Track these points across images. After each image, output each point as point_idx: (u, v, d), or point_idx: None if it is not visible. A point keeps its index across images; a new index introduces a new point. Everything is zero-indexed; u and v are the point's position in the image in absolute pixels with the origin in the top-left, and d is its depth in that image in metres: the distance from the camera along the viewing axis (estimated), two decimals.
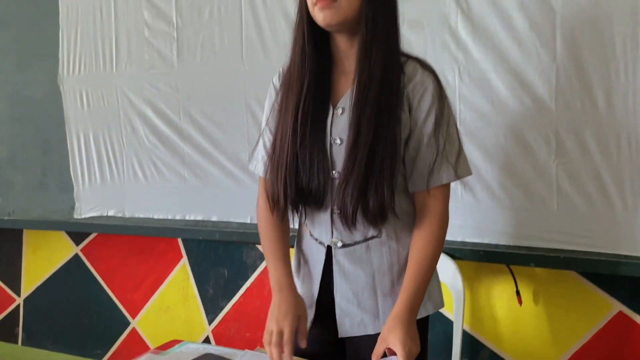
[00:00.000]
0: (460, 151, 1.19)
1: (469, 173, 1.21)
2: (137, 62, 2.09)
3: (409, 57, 1.20)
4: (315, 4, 1.10)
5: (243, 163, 1.96)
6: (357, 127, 1.12)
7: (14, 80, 2.31)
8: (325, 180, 1.17)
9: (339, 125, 1.17)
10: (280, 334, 1.17)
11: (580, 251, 1.55)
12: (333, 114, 1.18)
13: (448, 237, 1.23)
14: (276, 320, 1.18)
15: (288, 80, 1.20)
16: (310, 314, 1.26)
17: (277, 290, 1.23)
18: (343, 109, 1.17)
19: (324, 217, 1.22)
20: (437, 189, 1.18)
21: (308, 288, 1.28)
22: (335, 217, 1.20)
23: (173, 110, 2.06)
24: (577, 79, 1.53)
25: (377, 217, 1.14)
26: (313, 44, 1.15)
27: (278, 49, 1.87)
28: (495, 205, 1.64)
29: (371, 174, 1.11)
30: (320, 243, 1.25)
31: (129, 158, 2.15)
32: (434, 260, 1.19)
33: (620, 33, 1.48)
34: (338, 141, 1.16)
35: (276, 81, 1.29)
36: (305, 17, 1.14)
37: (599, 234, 1.54)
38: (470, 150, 1.63)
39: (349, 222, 1.15)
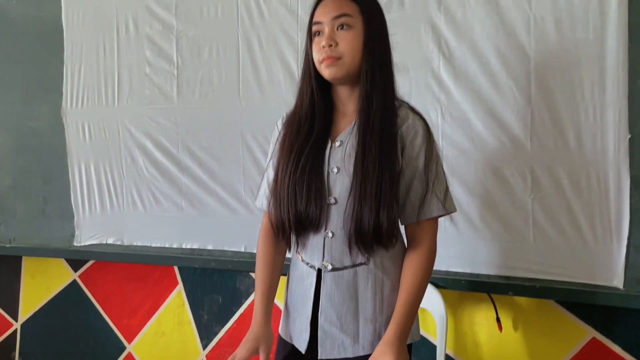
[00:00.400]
0: (447, 188, 1.31)
1: (455, 209, 1.32)
2: (139, 97, 2.20)
3: (401, 102, 1.34)
4: (321, 62, 1.26)
5: (238, 194, 2.06)
6: (362, 159, 1.24)
7: (19, 112, 2.39)
8: (322, 206, 1.28)
9: (336, 156, 1.29)
10: (234, 357, 1.33)
11: (555, 280, 1.66)
12: (331, 146, 1.31)
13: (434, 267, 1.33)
14: (239, 347, 1.34)
15: (293, 121, 1.34)
16: (305, 335, 1.34)
17: (252, 321, 1.39)
18: (341, 142, 1.30)
19: (317, 240, 1.31)
20: (426, 222, 1.29)
21: (300, 312, 1.37)
22: (328, 241, 1.30)
23: (172, 143, 2.16)
24: (550, 119, 1.65)
25: (374, 241, 1.25)
26: (319, 93, 1.32)
27: (273, 87, 1.99)
28: (477, 237, 1.74)
29: (374, 199, 1.22)
30: (311, 267, 1.34)
31: (128, 188, 2.24)
32: (422, 288, 1.29)
33: (589, 78, 1.61)
34: (335, 170, 1.28)
35: (280, 124, 1.41)
36: (312, 71, 1.31)
37: (572, 265, 1.64)
38: (453, 185, 1.73)
39: (351, 243, 1.26)
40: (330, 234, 1.29)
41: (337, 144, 1.30)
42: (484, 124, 1.72)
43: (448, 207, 1.29)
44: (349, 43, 1.25)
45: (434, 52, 1.77)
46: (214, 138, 2.10)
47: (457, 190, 1.74)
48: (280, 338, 1.43)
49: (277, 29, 1.98)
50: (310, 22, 1.31)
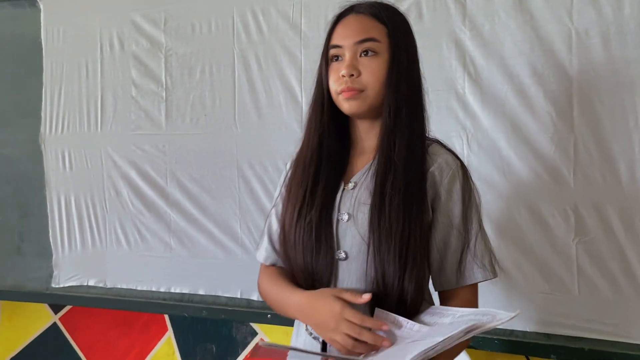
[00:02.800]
0: (490, 244, 1.07)
1: (496, 274, 1.07)
2: (123, 122, 1.97)
3: (432, 140, 1.11)
4: (339, 93, 1.04)
5: (233, 232, 1.82)
6: (379, 208, 1.00)
7: None
8: (331, 262, 1.04)
9: (348, 200, 1.05)
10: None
11: (607, 341, 1.40)
12: (344, 189, 1.07)
13: None
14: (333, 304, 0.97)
15: (302, 161, 1.11)
16: None
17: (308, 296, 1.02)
18: (355, 184, 1.07)
19: None
20: (467, 289, 1.05)
21: None
22: None
23: (159, 173, 1.93)
24: (597, 150, 1.41)
25: (395, 312, 0.98)
26: (333, 128, 1.09)
27: (272, 111, 1.76)
28: (511, 286, 1.49)
29: (398, 260, 0.98)
30: (315, 338, 1.09)
31: (111, 223, 2.00)
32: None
33: None
34: (345, 217, 1.04)
35: (289, 165, 1.18)
36: (326, 102, 1.08)
37: (626, 322, 1.39)
38: None
39: (364, 312, 1.00)
40: None
41: (351, 185, 1.07)
42: (518, 154, 1.48)
43: (494, 269, 1.04)
44: (374, 73, 1.03)
45: (457, 71, 1.53)
46: (206, 168, 1.86)
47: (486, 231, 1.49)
48: None
49: (277, 45, 1.75)
50: (328, 43, 1.08)
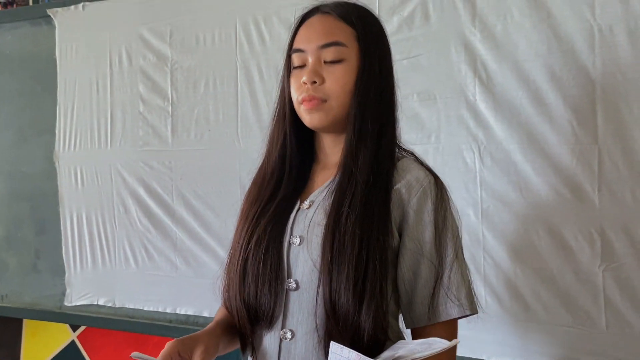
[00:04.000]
0: (468, 276, 0.92)
1: (477, 310, 0.92)
2: (132, 138, 1.93)
3: (406, 152, 0.98)
4: (301, 103, 0.93)
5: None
6: (334, 229, 0.88)
7: (12, 156, 2.20)
8: (278, 292, 0.92)
9: (302, 221, 0.94)
10: None
11: None
12: (299, 208, 0.96)
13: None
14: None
15: (260, 177, 1.01)
16: None
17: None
18: (311, 202, 0.95)
19: (271, 342, 0.94)
20: (441, 326, 0.90)
21: None
22: (286, 344, 0.92)
23: (166, 190, 1.87)
24: (625, 164, 1.23)
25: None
26: (296, 142, 0.99)
27: None
28: (528, 318, 1.32)
29: (352, 290, 0.85)
30: None
31: (120, 241, 1.96)
32: None
33: None
34: (297, 240, 0.93)
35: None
36: (288, 112, 0.98)
37: None
38: (495, 248, 1.34)
39: (317, 349, 0.88)
40: (289, 334, 0.92)
41: (306, 204, 0.96)
42: (535, 169, 1.32)
43: (473, 304, 0.89)
44: (339, 81, 0.92)
45: (468, 76, 1.39)
46: (210, 185, 1.79)
47: (499, 255, 1.34)
48: None
49: (279, 55, 1.65)
50: (290, 48, 0.98)
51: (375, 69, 0.93)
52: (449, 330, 0.90)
